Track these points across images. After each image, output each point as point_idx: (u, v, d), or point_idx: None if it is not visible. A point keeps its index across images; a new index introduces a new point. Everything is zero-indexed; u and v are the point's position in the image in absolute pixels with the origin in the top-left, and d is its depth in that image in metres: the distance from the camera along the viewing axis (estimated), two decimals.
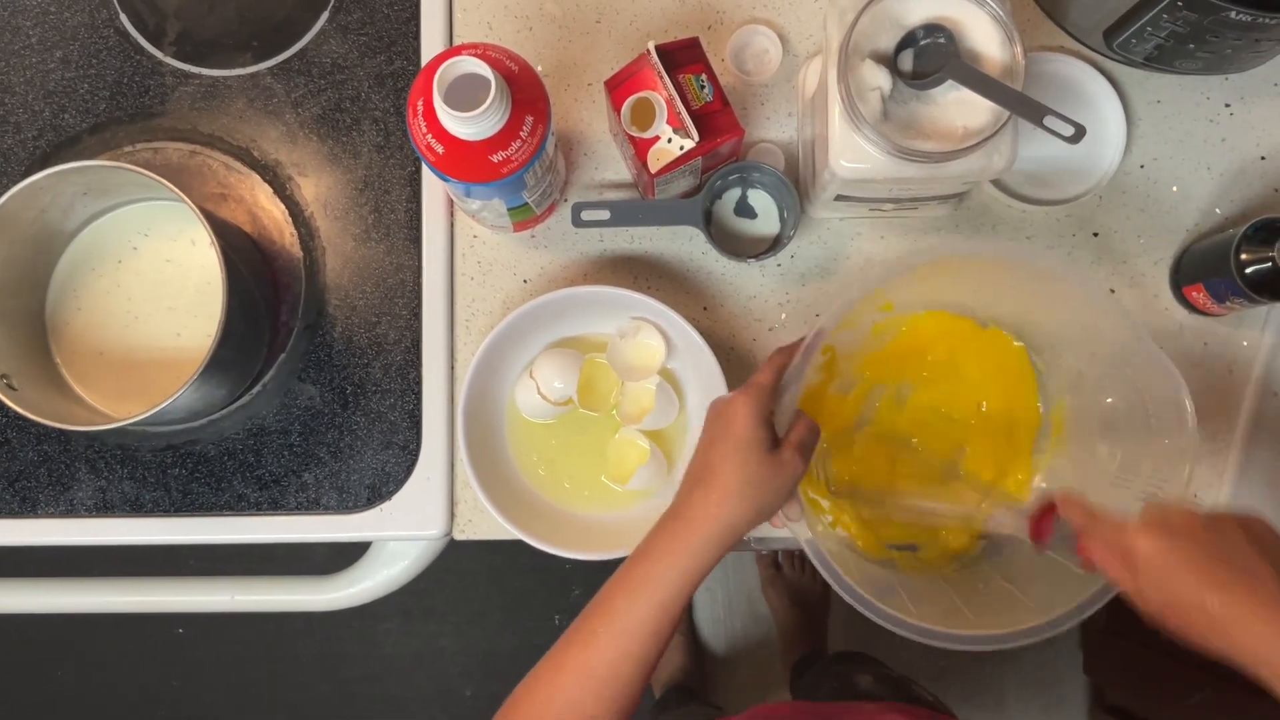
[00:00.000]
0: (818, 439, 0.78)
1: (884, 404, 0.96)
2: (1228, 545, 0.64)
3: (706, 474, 0.75)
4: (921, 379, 0.96)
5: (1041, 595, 0.80)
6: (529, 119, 0.79)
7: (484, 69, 0.74)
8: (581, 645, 0.72)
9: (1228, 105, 0.99)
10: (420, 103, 0.78)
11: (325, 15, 1.03)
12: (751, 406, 0.75)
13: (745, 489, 0.73)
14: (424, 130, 0.78)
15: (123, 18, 1.03)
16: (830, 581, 0.79)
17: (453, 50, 0.78)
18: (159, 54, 1.03)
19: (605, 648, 0.71)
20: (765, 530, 0.99)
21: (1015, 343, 0.95)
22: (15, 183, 0.88)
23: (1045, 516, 0.74)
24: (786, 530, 0.81)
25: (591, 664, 0.71)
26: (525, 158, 0.79)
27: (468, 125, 0.75)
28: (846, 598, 0.78)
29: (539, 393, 0.96)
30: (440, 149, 0.78)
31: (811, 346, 0.79)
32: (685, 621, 2.02)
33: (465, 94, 0.75)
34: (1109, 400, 0.88)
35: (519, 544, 0.96)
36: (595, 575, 0.93)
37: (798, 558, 1.97)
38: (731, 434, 0.74)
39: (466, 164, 0.79)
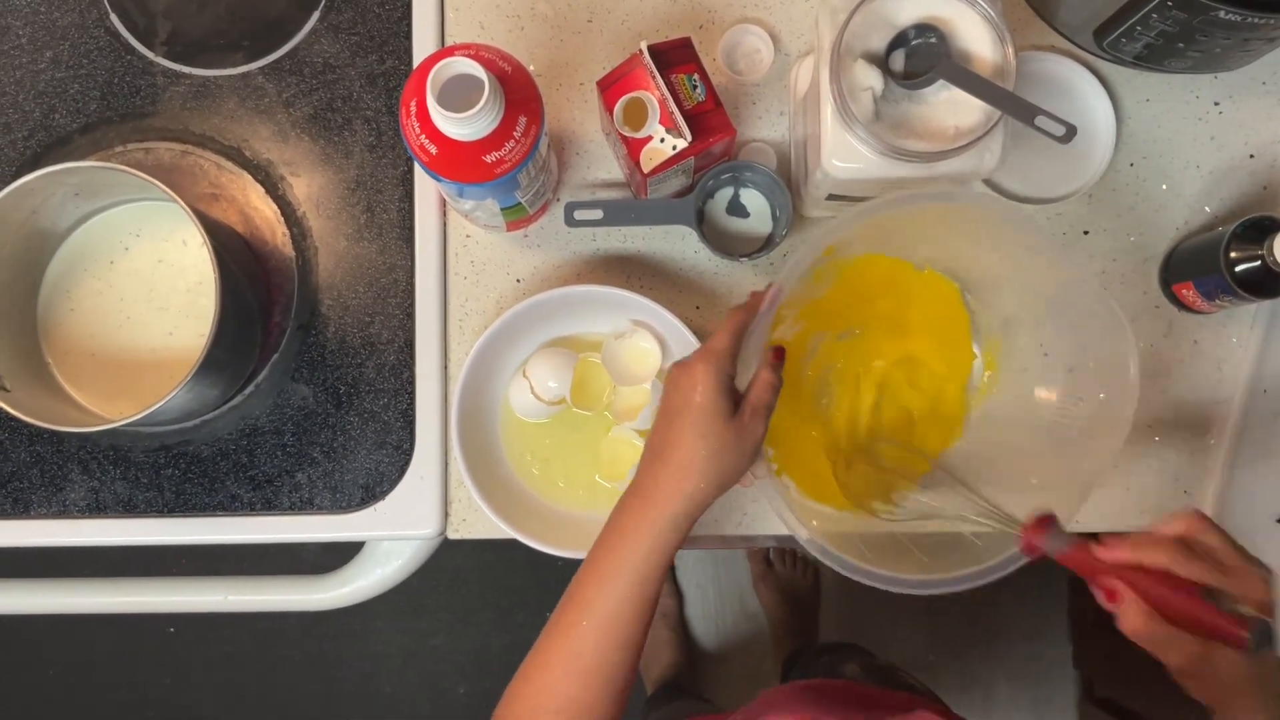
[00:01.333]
0: (778, 395, 0.76)
1: (824, 349, 0.96)
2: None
3: (666, 449, 0.73)
4: (862, 322, 0.96)
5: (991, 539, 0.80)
6: (522, 119, 0.79)
7: (477, 70, 0.74)
8: (565, 637, 0.72)
9: (1216, 104, 0.99)
10: (413, 103, 0.78)
11: (316, 15, 1.03)
12: (710, 374, 0.73)
13: (708, 461, 0.72)
14: (417, 131, 0.78)
15: (113, 17, 1.03)
16: (821, 557, 0.80)
17: (446, 51, 0.78)
18: (149, 54, 1.03)
19: (588, 638, 0.71)
20: (757, 528, 1.00)
21: (950, 283, 0.96)
22: (5, 183, 0.88)
23: (1038, 530, 0.73)
24: (779, 526, 0.81)
25: (577, 655, 0.71)
26: (519, 158, 0.79)
27: (461, 126, 0.75)
28: (837, 567, 0.79)
29: (533, 392, 0.96)
30: (434, 149, 0.78)
31: (770, 306, 0.77)
32: (676, 618, 2.03)
33: (458, 94, 0.75)
34: (1044, 342, 0.89)
35: (511, 542, 0.96)
36: None
37: (789, 554, 1.98)
38: (691, 405, 0.73)
39: (460, 164, 0.79)
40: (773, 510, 0.80)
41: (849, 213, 0.79)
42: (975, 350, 0.96)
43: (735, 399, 0.74)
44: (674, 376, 0.76)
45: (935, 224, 0.89)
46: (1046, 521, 0.72)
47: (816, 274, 0.93)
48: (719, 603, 2.05)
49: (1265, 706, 0.64)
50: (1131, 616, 0.65)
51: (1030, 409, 0.90)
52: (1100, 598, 0.68)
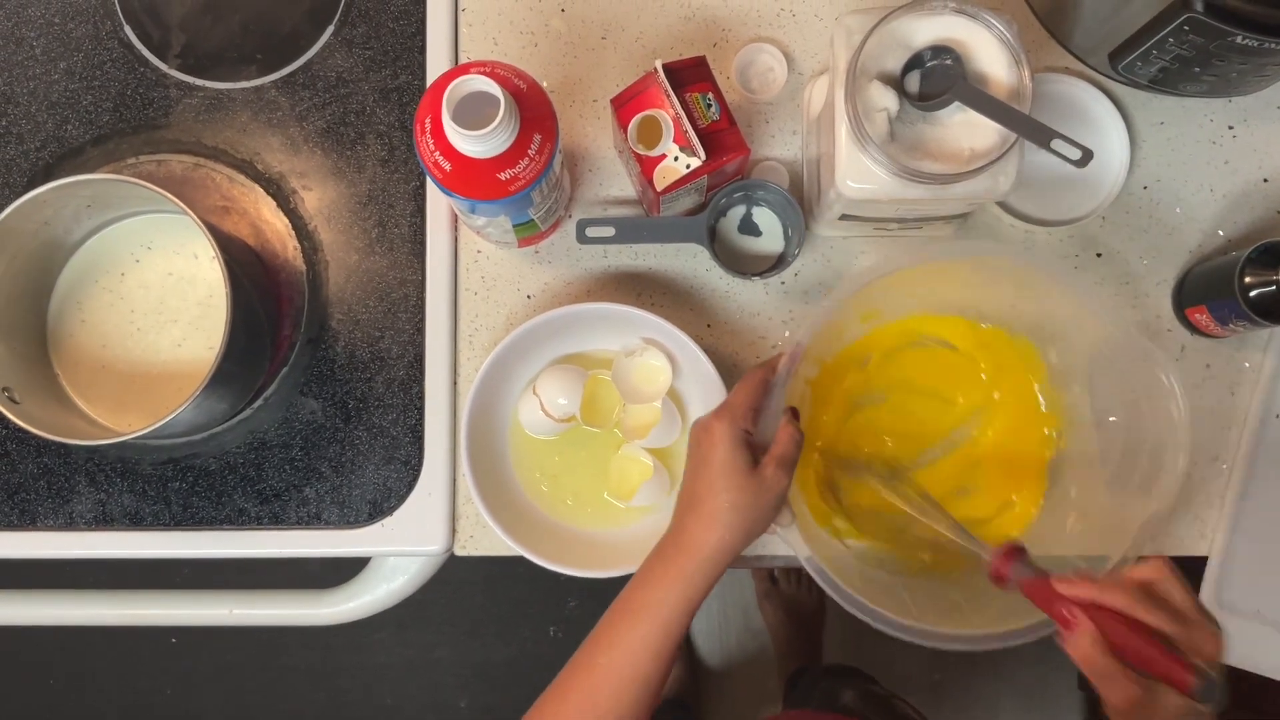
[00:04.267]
0: (800, 450, 0.79)
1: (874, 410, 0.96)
2: None
3: (694, 501, 0.76)
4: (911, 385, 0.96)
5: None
6: (537, 137, 0.79)
7: (493, 87, 0.74)
8: (585, 673, 0.73)
9: (1231, 128, 0.99)
10: (428, 120, 0.78)
11: (330, 29, 1.03)
12: (725, 431, 0.76)
13: (732, 513, 0.74)
14: (432, 148, 0.78)
15: (127, 30, 1.03)
16: (826, 588, 0.80)
17: (461, 68, 0.78)
18: (163, 66, 1.03)
19: (607, 675, 0.72)
20: (762, 548, 0.99)
21: (1016, 338, 0.95)
22: (18, 194, 0.88)
23: (1006, 560, 0.73)
24: (785, 547, 0.81)
25: (594, 692, 0.72)
26: (533, 175, 0.79)
27: (476, 143, 0.75)
28: (841, 602, 0.79)
29: (542, 409, 0.95)
30: (448, 166, 0.78)
31: (789, 364, 0.80)
32: None
33: (473, 111, 0.75)
34: (1098, 395, 0.89)
35: (517, 556, 0.96)
36: (592, 587, 0.93)
37: (794, 572, 1.97)
38: (712, 460, 0.75)
39: (474, 181, 0.79)
40: (811, 574, 0.81)
41: (875, 266, 0.80)
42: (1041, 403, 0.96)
43: (755, 452, 0.77)
44: (694, 434, 0.79)
45: (961, 277, 0.89)
46: (1015, 552, 0.74)
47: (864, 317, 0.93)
48: (723, 619, 2.04)
49: None
50: (1082, 642, 0.66)
51: (1089, 465, 0.90)
52: (1056, 623, 0.68)
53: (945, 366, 0.96)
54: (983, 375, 0.95)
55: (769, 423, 0.79)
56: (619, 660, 0.72)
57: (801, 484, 0.92)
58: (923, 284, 0.91)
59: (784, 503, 0.78)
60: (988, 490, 0.94)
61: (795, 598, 1.96)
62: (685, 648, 2.01)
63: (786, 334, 0.99)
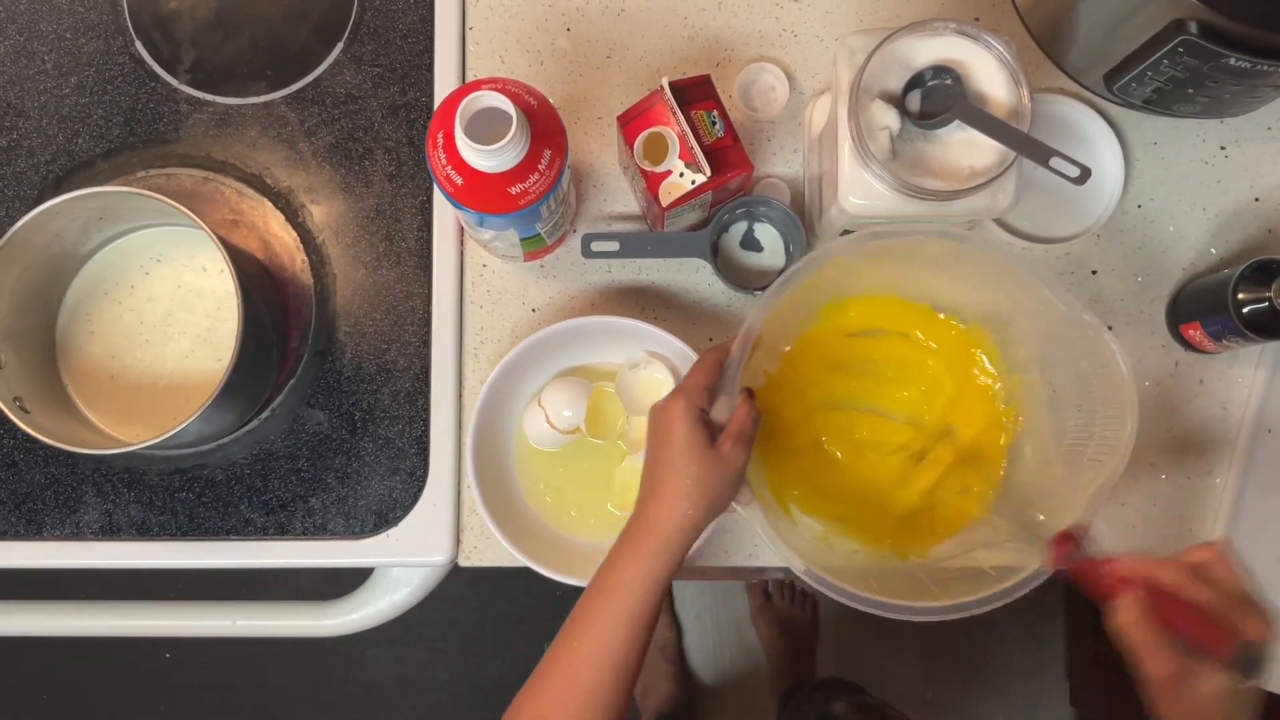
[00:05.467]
0: (757, 427, 0.80)
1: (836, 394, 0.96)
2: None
3: (654, 482, 0.78)
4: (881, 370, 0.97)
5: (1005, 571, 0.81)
6: (547, 152, 0.80)
7: (505, 103, 0.76)
8: (563, 660, 0.75)
9: (1223, 148, 1.01)
10: (440, 135, 0.80)
11: (340, 46, 1.04)
12: (682, 409, 0.77)
13: (693, 489, 0.76)
14: (443, 162, 0.79)
15: (138, 45, 1.05)
16: (815, 586, 0.81)
17: (474, 84, 0.79)
18: (174, 81, 1.04)
19: (584, 659, 0.74)
20: (759, 559, 1.00)
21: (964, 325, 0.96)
22: (29, 206, 0.89)
23: (1061, 545, 0.75)
24: (774, 558, 0.82)
25: (573, 677, 0.74)
26: (542, 190, 0.81)
27: (488, 158, 0.77)
28: (833, 595, 0.80)
29: (547, 421, 0.97)
30: (459, 180, 0.79)
31: (745, 340, 0.81)
32: (674, 649, 2.02)
33: (484, 127, 0.77)
34: (1050, 374, 0.90)
35: (510, 571, 0.97)
36: None
37: (788, 588, 1.98)
38: (671, 440, 0.77)
39: (485, 195, 0.80)
40: (765, 540, 0.81)
41: (819, 251, 0.81)
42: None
43: (712, 430, 0.78)
44: (653, 416, 0.80)
45: (931, 266, 0.90)
46: (1069, 539, 0.75)
47: (825, 311, 0.94)
48: (717, 636, 2.05)
49: None
50: (1130, 608, 0.67)
51: (1044, 445, 0.91)
52: (1104, 594, 0.70)
53: (901, 356, 0.96)
54: (939, 364, 0.95)
55: (724, 404, 0.80)
56: (594, 642, 0.74)
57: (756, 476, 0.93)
58: (881, 272, 0.92)
59: (743, 479, 0.79)
60: (947, 476, 0.95)
61: (789, 614, 1.97)
62: (679, 663, 2.01)
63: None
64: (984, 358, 0.94)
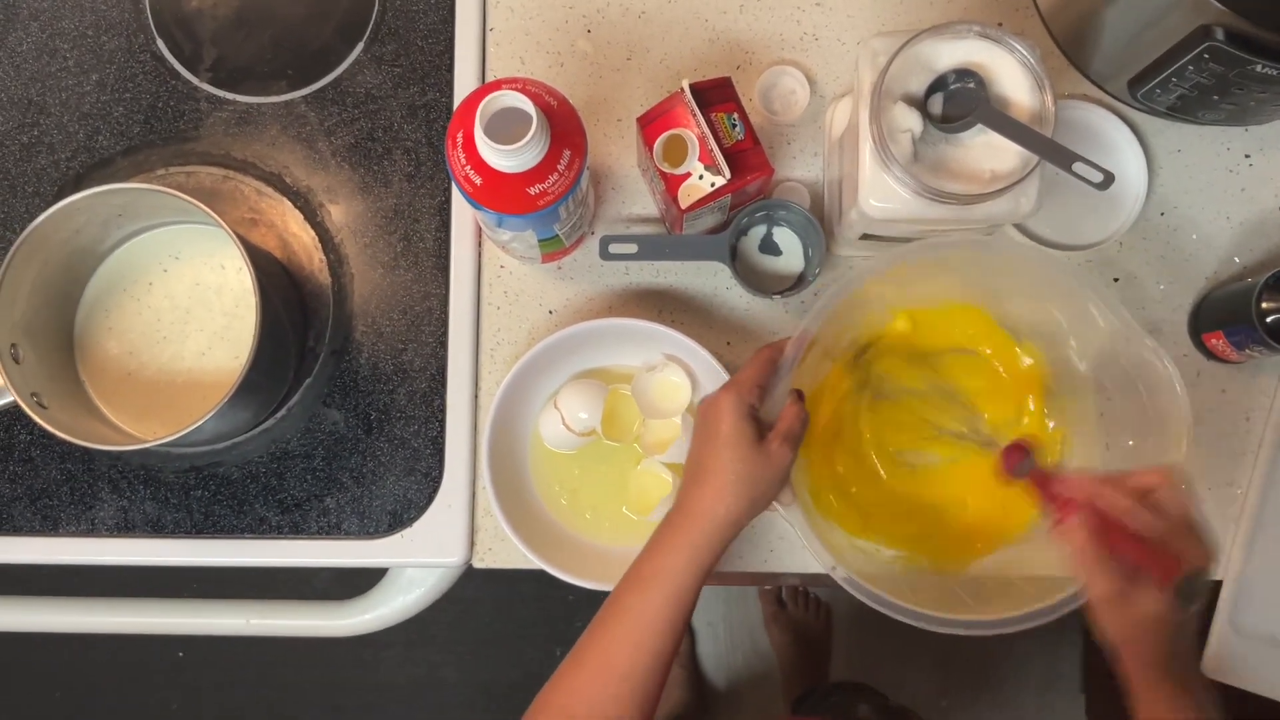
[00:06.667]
0: (805, 428, 0.81)
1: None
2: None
3: (700, 472, 0.78)
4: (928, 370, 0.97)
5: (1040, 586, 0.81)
6: (566, 153, 0.80)
7: (525, 104, 0.76)
8: (599, 643, 0.75)
9: (1247, 156, 1.00)
10: (460, 135, 0.79)
11: (360, 46, 1.04)
12: (733, 403, 0.78)
13: (738, 484, 0.76)
14: (463, 162, 0.79)
15: (159, 43, 1.05)
16: (850, 589, 0.81)
17: (494, 84, 0.79)
18: (194, 79, 1.04)
19: (621, 643, 0.73)
20: (774, 565, 1.00)
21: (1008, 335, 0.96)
22: (48, 203, 0.89)
23: (1012, 454, 0.78)
24: (794, 563, 0.82)
25: (609, 661, 0.73)
26: (561, 191, 0.81)
27: (508, 158, 0.76)
28: (867, 600, 0.80)
29: (563, 423, 0.96)
30: (479, 180, 0.79)
31: (796, 350, 0.82)
32: (687, 655, 2.02)
33: (504, 127, 0.77)
34: (1102, 384, 0.90)
35: (521, 574, 0.97)
36: (599, 607, 0.93)
37: (802, 595, 1.97)
38: (718, 432, 0.78)
39: (504, 195, 0.80)
40: (804, 544, 0.81)
41: (883, 256, 0.81)
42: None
43: (760, 428, 0.79)
44: (702, 408, 0.81)
45: (997, 277, 0.90)
46: (1021, 449, 0.78)
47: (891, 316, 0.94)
48: (730, 642, 2.04)
49: (1165, 648, 0.69)
50: (1077, 530, 0.70)
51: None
52: (1052, 512, 0.73)
53: (957, 370, 0.96)
54: (994, 384, 0.96)
55: (775, 403, 0.80)
56: (631, 627, 0.74)
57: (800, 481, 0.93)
58: (936, 282, 0.92)
59: (787, 480, 0.80)
60: (991, 494, 0.94)
61: (803, 621, 1.96)
62: (691, 668, 2.01)
63: (794, 319, 1.00)
64: (1036, 381, 0.95)
